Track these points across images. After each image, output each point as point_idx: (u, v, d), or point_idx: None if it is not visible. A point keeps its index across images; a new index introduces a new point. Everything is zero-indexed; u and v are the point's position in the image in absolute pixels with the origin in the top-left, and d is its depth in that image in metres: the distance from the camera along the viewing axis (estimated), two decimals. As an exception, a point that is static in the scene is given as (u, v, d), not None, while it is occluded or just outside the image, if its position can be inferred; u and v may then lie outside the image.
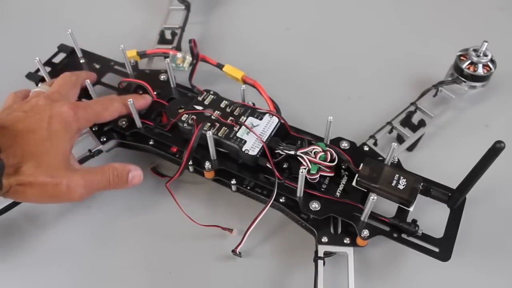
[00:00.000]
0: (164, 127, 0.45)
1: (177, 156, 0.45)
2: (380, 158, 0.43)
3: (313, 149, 0.41)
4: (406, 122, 0.48)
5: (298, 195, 0.40)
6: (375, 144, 0.45)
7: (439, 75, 0.53)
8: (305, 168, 0.38)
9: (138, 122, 0.44)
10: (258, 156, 0.41)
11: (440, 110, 0.49)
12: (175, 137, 0.44)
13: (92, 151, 0.45)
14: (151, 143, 0.45)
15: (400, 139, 0.48)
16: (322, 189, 0.41)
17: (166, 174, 0.47)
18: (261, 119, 0.43)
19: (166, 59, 0.47)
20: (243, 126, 0.42)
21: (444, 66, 0.53)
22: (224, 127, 0.42)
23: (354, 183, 0.40)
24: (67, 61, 0.52)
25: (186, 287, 0.41)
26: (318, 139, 0.43)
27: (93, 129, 0.46)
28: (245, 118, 0.43)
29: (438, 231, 0.39)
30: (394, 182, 0.39)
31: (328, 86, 0.55)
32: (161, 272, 0.42)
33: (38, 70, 0.50)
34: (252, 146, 0.41)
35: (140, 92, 0.48)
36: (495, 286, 0.41)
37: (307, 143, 0.42)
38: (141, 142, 0.45)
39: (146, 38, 0.58)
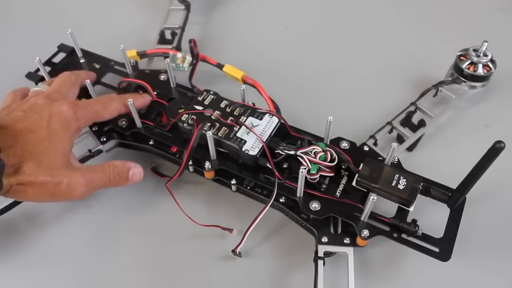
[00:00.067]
0: (164, 127, 0.45)
1: (177, 156, 0.45)
2: (380, 158, 0.43)
3: (313, 149, 0.41)
4: (406, 122, 0.48)
5: (298, 195, 0.40)
6: (375, 144, 0.45)
7: (439, 75, 0.53)
8: (305, 168, 0.38)
9: (138, 122, 0.44)
10: (258, 156, 0.41)
11: (440, 110, 0.49)
12: (175, 137, 0.44)
13: (92, 151, 0.45)
14: (151, 143, 0.45)
15: (400, 139, 0.48)
16: (322, 189, 0.41)
17: (166, 174, 0.47)
18: (261, 119, 0.43)
19: (166, 59, 0.47)
20: (243, 126, 0.42)
21: (444, 66, 0.53)
22: (224, 127, 0.42)
23: (354, 183, 0.40)
24: (67, 61, 0.52)
25: (186, 287, 0.41)
26: (318, 139, 0.43)
27: (93, 129, 0.46)
28: (245, 118, 0.43)
29: (438, 231, 0.39)
30: (394, 182, 0.39)
31: (328, 86, 0.55)
32: (161, 272, 0.42)
33: (38, 70, 0.50)
34: (252, 146, 0.41)
35: (140, 92, 0.48)
36: (495, 286, 0.41)
37: (307, 143, 0.42)
38: (141, 142, 0.45)
39: (146, 38, 0.58)
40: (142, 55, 0.51)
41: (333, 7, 0.64)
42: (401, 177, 0.39)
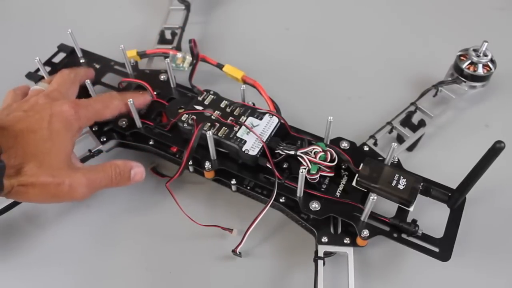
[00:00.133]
0: (164, 127, 0.45)
1: (177, 156, 0.45)
2: (380, 158, 0.43)
3: (313, 149, 0.41)
4: (406, 122, 0.48)
5: (298, 195, 0.40)
6: (375, 144, 0.45)
7: (439, 75, 0.53)
8: (305, 168, 0.38)
9: (138, 122, 0.44)
10: (258, 156, 0.41)
11: (440, 110, 0.49)
12: (175, 137, 0.44)
13: (92, 151, 0.44)
14: (151, 143, 0.45)
15: (400, 139, 0.48)
16: (322, 189, 0.41)
17: (166, 174, 0.47)
18: (261, 119, 0.43)
19: (166, 59, 0.47)
20: (243, 126, 0.42)
21: (444, 66, 0.53)
22: (224, 127, 0.42)
23: (354, 183, 0.40)
24: (67, 61, 0.52)
25: (186, 287, 0.41)
26: (318, 139, 0.43)
27: (93, 129, 0.46)
28: (245, 118, 0.43)
29: (438, 231, 0.39)
30: (394, 182, 0.39)
31: (328, 86, 0.55)
32: (161, 272, 0.42)
33: (38, 69, 0.50)
34: (252, 146, 0.41)
35: (140, 92, 0.48)
36: (495, 286, 0.41)
37: (307, 143, 0.42)
38: (141, 142, 0.45)
39: (146, 38, 0.58)
40: (142, 55, 0.51)
41: (333, 7, 0.64)
42: (401, 177, 0.39)
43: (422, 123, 0.48)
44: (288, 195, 0.41)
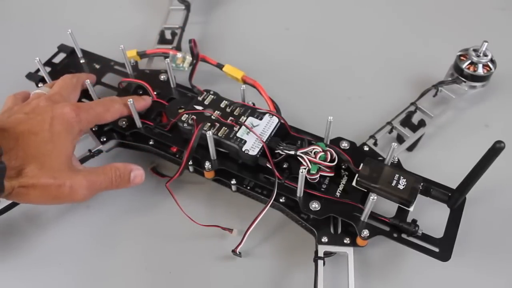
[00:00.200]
0: (164, 127, 0.45)
1: (177, 156, 0.45)
2: (380, 158, 0.43)
3: (313, 149, 0.41)
4: (406, 122, 0.48)
5: (298, 195, 0.40)
6: (375, 144, 0.45)
7: (439, 75, 0.53)
8: (305, 168, 0.38)
9: (138, 122, 0.44)
10: (258, 156, 0.41)
11: (440, 110, 0.49)
12: (175, 137, 0.44)
13: (92, 151, 0.45)
14: (151, 143, 0.45)
15: (400, 139, 0.48)
16: (322, 189, 0.41)
17: (166, 174, 0.47)
18: (261, 119, 0.43)
19: (166, 59, 0.47)
20: (243, 126, 0.42)
21: (444, 66, 0.53)
22: (224, 127, 0.42)
23: (354, 183, 0.40)
24: (67, 61, 0.52)
25: (186, 287, 0.41)
26: (318, 139, 0.43)
27: (93, 129, 0.46)
28: (245, 118, 0.43)
29: (438, 231, 0.39)
30: (394, 182, 0.39)
31: (328, 86, 0.55)
32: (161, 272, 0.42)
33: (38, 70, 0.50)
34: (252, 146, 0.41)
35: (140, 92, 0.48)
36: (495, 286, 0.41)
37: (307, 143, 0.42)
38: (141, 142, 0.45)
39: (146, 38, 0.58)
40: (142, 55, 0.51)
41: (333, 7, 0.64)
42: (401, 177, 0.39)
43: (422, 123, 0.48)
44: (288, 195, 0.41)
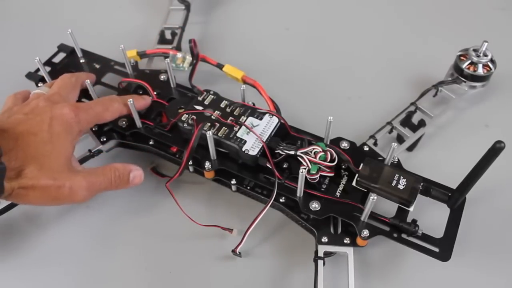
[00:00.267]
0: (164, 127, 0.45)
1: (177, 156, 0.45)
2: (380, 158, 0.43)
3: (313, 149, 0.41)
4: (406, 122, 0.48)
5: (298, 195, 0.40)
6: (375, 144, 0.45)
7: (439, 75, 0.53)
8: (305, 168, 0.38)
9: (138, 122, 0.44)
10: (258, 156, 0.41)
11: (440, 110, 0.49)
12: (175, 137, 0.44)
13: (92, 151, 0.44)
14: (151, 143, 0.45)
15: (400, 139, 0.48)
16: (322, 189, 0.41)
17: (166, 174, 0.47)
18: (261, 119, 0.43)
19: (166, 59, 0.47)
20: (243, 126, 0.42)
21: (444, 66, 0.53)
22: (224, 127, 0.42)
23: (354, 183, 0.40)
24: (67, 61, 0.52)
25: (186, 287, 0.41)
26: (318, 139, 0.43)
27: (93, 129, 0.46)
28: (245, 118, 0.43)
29: (438, 231, 0.39)
30: (394, 182, 0.39)
31: (328, 86, 0.55)
32: (161, 272, 0.42)
33: (38, 69, 0.50)
34: (252, 146, 0.41)
35: (140, 92, 0.48)
36: (495, 286, 0.41)
37: (307, 143, 0.42)
38: (141, 142, 0.45)
39: (146, 38, 0.58)
40: (142, 55, 0.51)
41: (333, 7, 0.64)
42: (401, 177, 0.39)
43: (422, 123, 0.48)
44: (288, 195, 0.41)
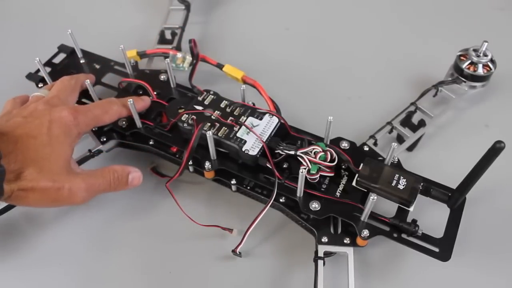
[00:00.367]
0: (164, 127, 0.45)
1: (177, 156, 0.45)
2: (380, 158, 0.43)
3: (313, 149, 0.41)
4: (406, 122, 0.48)
5: (298, 195, 0.40)
6: (375, 144, 0.45)
7: (439, 75, 0.53)
8: (305, 168, 0.38)
9: (138, 122, 0.44)
10: (258, 156, 0.41)
11: (440, 110, 0.49)
12: (175, 137, 0.44)
13: (92, 151, 0.44)
14: (151, 143, 0.45)
15: (400, 139, 0.48)
16: (322, 189, 0.41)
17: (166, 174, 0.47)
18: (261, 119, 0.43)
19: (166, 59, 0.47)
20: (243, 126, 0.42)
21: (444, 66, 0.53)
22: (224, 127, 0.42)
23: (354, 183, 0.40)
24: (67, 61, 0.52)
25: (186, 287, 0.41)
26: (318, 139, 0.43)
27: (93, 129, 0.45)
28: (245, 118, 0.43)
29: (438, 231, 0.39)
30: (394, 182, 0.39)
31: (328, 86, 0.55)
32: (161, 272, 0.42)
33: (38, 70, 0.50)
34: (252, 146, 0.41)
35: (140, 92, 0.48)
36: (495, 286, 0.41)
37: (307, 143, 0.42)
38: (141, 142, 0.45)
39: (146, 38, 0.58)
40: (142, 55, 0.51)
41: (333, 7, 0.64)
42: (401, 177, 0.39)
43: (422, 123, 0.48)
44: (288, 195, 0.41)
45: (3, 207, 0.42)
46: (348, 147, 0.43)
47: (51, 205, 0.38)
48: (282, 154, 0.41)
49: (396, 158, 0.42)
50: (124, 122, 0.45)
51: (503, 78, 0.52)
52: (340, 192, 0.41)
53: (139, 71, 0.50)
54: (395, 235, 0.39)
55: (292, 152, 0.41)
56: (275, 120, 0.43)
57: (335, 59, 0.58)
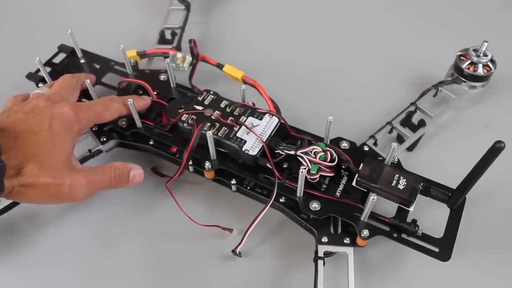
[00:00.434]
0: (164, 127, 0.45)
1: (177, 156, 0.45)
2: (380, 158, 0.43)
3: (313, 149, 0.41)
4: (406, 122, 0.48)
5: (298, 195, 0.40)
6: (375, 144, 0.45)
7: (439, 75, 0.53)
8: (305, 168, 0.38)
9: (138, 122, 0.44)
10: (258, 156, 0.41)
11: (440, 110, 0.49)
12: (175, 137, 0.44)
13: (92, 151, 0.45)
14: (151, 143, 0.45)
15: (400, 139, 0.48)
16: (322, 189, 0.41)
17: (166, 174, 0.47)
18: (261, 119, 0.43)
19: (166, 59, 0.47)
20: (243, 126, 0.42)
21: (444, 66, 0.53)
22: (224, 127, 0.42)
23: (354, 183, 0.40)
24: (67, 61, 0.52)
25: (186, 287, 0.41)
26: (318, 139, 0.43)
27: (93, 129, 0.46)
28: (245, 118, 0.43)
29: (438, 231, 0.39)
30: (394, 182, 0.39)
31: (328, 86, 0.55)
32: (161, 272, 0.42)
33: (38, 70, 0.50)
34: (252, 146, 0.41)
35: (140, 92, 0.48)
36: (495, 286, 0.41)
37: (307, 143, 0.42)
38: (141, 142, 0.45)
39: (146, 38, 0.58)
40: (142, 55, 0.51)
41: (333, 7, 0.64)
42: (401, 177, 0.39)
43: (422, 123, 0.48)
44: (288, 195, 0.41)
45: (4, 207, 0.42)
46: (348, 147, 0.43)
47: (52, 201, 0.38)
48: (282, 154, 0.41)
49: (396, 158, 0.42)
50: (124, 122, 0.45)
51: (503, 78, 0.52)
52: (340, 192, 0.41)
53: (139, 71, 0.50)
54: (395, 235, 0.39)
55: (292, 152, 0.41)
56: (275, 120, 0.43)
57: (335, 59, 0.58)
